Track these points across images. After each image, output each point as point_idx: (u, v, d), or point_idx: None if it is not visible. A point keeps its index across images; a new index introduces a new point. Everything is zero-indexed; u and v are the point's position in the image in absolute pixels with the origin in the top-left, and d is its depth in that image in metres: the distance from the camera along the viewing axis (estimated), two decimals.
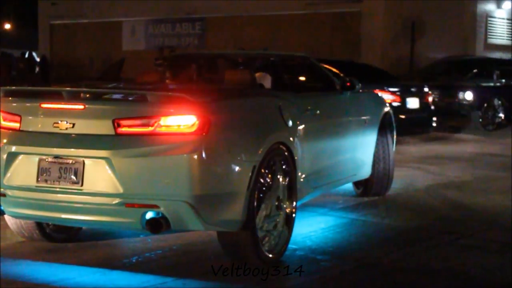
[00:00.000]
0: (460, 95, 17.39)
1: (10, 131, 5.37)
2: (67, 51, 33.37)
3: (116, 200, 5.03)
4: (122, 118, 5.04)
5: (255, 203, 5.39)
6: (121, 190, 5.00)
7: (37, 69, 32.47)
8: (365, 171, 7.82)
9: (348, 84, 7.25)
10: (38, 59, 33.92)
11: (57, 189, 5.15)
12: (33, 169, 5.21)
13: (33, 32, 39.50)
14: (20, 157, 5.27)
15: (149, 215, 5.04)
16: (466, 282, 5.40)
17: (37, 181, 5.20)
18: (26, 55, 34.60)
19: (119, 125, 5.04)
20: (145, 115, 5.03)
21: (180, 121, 5.01)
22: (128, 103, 5.18)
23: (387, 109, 8.23)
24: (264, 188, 5.54)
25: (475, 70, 19.32)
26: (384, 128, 8.05)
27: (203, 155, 5.00)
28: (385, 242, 6.47)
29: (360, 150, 7.58)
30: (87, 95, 5.30)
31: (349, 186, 8.38)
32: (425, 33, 22.35)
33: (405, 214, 7.58)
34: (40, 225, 5.97)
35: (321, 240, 6.41)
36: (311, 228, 6.79)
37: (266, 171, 5.55)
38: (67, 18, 33.14)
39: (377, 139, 7.93)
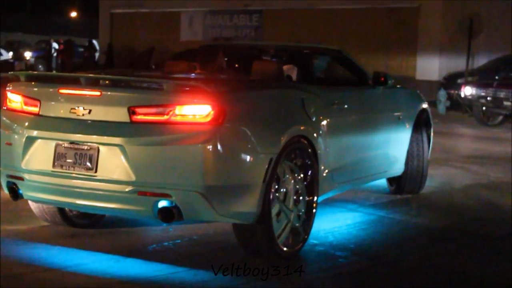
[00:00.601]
0: None
1: (30, 115, 5.41)
2: (127, 40, 33.73)
3: (129, 188, 5.02)
4: (137, 106, 5.03)
5: (272, 196, 5.32)
6: (133, 178, 4.99)
7: (96, 56, 32.90)
8: (398, 168, 7.68)
9: (382, 79, 7.12)
10: (98, 48, 34.36)
11: (72, 175, 5.16)
12: (50, 154, 5.24)
13: (94, 21, 40.05)
14: (38, 141, 5.30)
15: (162, 204, 5.02)
16: (481, 286, 5.24)
17: (53, 166, 5.22)
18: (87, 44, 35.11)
19: (134, 113, 5.03)
20: (160, 104, 5.01)
21: (195, 111, 4.97)
22: (143, 91, 5.15)
23: (424, 105, 8.06)
24: (281, 182, 5.47)
25: None
26: (419, 125, 7.88)
27: (218, 145, 4.95)
28: (409, 241, 6.35)
29: (392, 146, 7.43)
30: (105, 82, 5.29)
31: (383, 183, 8.26)
32: (483, 31, 21.89)
33: (436, 213, 7.42)
34: (62, 210, 6.00)
35: (344, 236, 6.31)
36: (336, 224, 6.70)
37: (284, 164, 5.48)
38: (127, 7, 33.52)
39: (412, 136, 7.77)
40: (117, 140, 5.01)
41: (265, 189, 5.23)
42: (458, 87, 19.24)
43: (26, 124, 5.37)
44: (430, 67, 24.79)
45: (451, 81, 21.93)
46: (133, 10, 33.45)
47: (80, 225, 6.19)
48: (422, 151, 7.89)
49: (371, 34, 26.22)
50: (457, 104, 20.42)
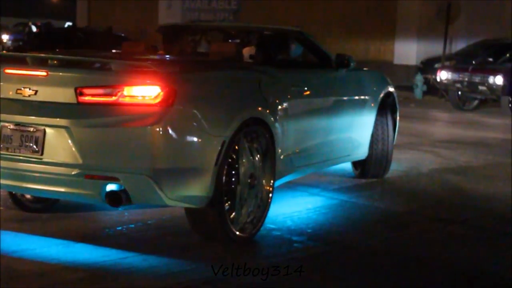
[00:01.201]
0: (491, 79, 16.95)
1: None
2: (105, 23, 33.38)
3: (75, 171, 4.87)
4: (84, 86, 4.88)
5: (224, 180, 5.20)
6: (80, 161, 4.85)
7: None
8: (361, 152, 7.57)
9: (345, 61, 6.99)
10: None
11: (18, 158, 5.01)
12: None
13: (74, 4, 39.62)
14: None
15: (109, 187, 4.88)
16: (441, 270, 5.15)
17: None
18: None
19: (81, 94, 4.88)
20: (108, 84, 4.86)
21: (144, 92, 4.83)
22: (91, 71, 5.01)
23: (390, 89, 7.96)
24: (235, 165, 5.35)
25: (508, 55, 18.81)
26: (384, 108, 7.77)
27: (167, 127, 4.82)
28: (369, 226, 6.25)
29: (355, 130, 7.32)
30: (53, 62, 5.13)
31: (348, 166, 8.16)
32: (460, 15, 21.80)
33: (400, 198, 7.33)
34: (13, 194, 5.87)
35: (303, 221, 6.20)
36: (296, 208, 6.59)
37: (238, 147, 5.36)
38: None
39: (376, 120, 7.66)
40: (63, 121, 4.87)
41: (217, 173, 5.11)
42: (435, 72, 19.15)
43: None
44: (408, 52, 24.68)
45: (428, 66, 21.83)
46: None
47: (32, 209, 6.05)
48: (387, 135, 7.79)
49: (350, 18, 26.07)
50: (434, 89, 20.34)
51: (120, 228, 5.80)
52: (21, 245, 5.25)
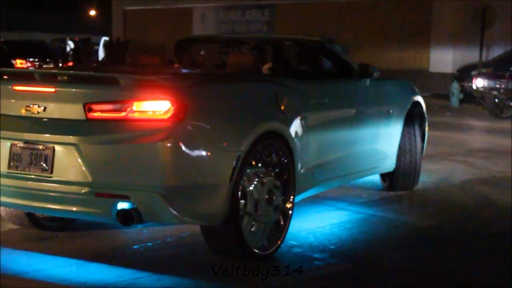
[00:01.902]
0: None
1: None
2: (140, 36, 33.57)
3: (85, 189, 4.74)
4: (93, 102, 4.76)
5: (240, 196, 5.03)
6: (90, 179, 4.72)
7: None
8: (388, 164, 7.35)
9: (368, 71, 6.78)
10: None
11: (28, 176, 4.90)
12: (5, 155, 4.98)
13: (107, 18, 39.90)
14: None
15: (120, 206, 4.74)
16: (469, 287, 4.93)
17: (9, 166, 4.96)
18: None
19: (90, 110, 4.76)
20: (117, 100, 4.73)
21: (154, 107, 4.69)
22: (99, 86, 4.86)
23: (417, 98, 7.73)
24: (252, 180, 5.18)
25: None
26: (411, 118, 7.55)
27: (178, 143, 4.67)
28: (395, 241, 6.03)
29: (381, 141, 7.10)
30: (62, 78, 5.01)
31: (377, 179, 7.94)
32: (496, 21, 21.41)
33: (428, 211, 7.09)
34: (30, 212, 5.76)
35: (326, 237, 6.00)
36: (320, 224, 6.40)
37: (255, 162, 5.19)
38: (140, 4, 33.35)
39: (403, 130, 7.44)
40: (72, 139, 4.74)
41: (233, 189, 4.94)
42: (471, 79, 18.80)
43: None
44: (444, 59, 24.34)
45: (465, 73, 21.50)
46: (145, 7, 33.28)
47: (49, 228, 5.95)
48: (414, 146, 7.55)
49: (384, 26, 25.80)
50: (471, 97, 19.99)
51: (137, 246, 5.66)
52: (34, 265, 5.14)
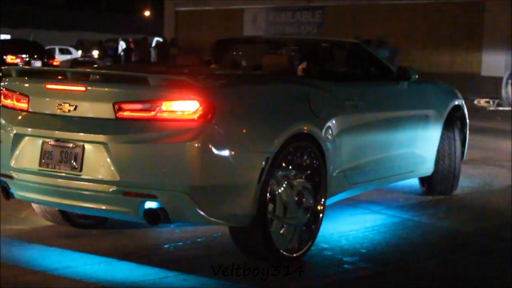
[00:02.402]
0: None
1: (20, 112, 5.23)
2: (191, 37, 33.76)
3: (113, 188, 4.77)
4: (122, 101, 4.78)
5: (269, 197, 5.01)
6: (118, 178, 4.75)
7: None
8: (426, 168, 7.25)
9: (406, 74, 6.70)
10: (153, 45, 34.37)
11: (58, 174, 4.95)
12: (36, 152, 5.05)
13: (158, 19, 40.20)
14: (26, 139, 5.12)
15: (148, 205, 4.75)
16: None
17: (40, 164, 5.03)
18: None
19: (119, 109, 4.79)
20: (146, 99, 4.75)
21: (182, 107, 4.70)
22: (129, 86, 4.88)
23: (458, 102, 7.61)
24: (281, 182, 5.15)
25: None
26: (451, 122, 7.44)
27: (206, 143, 4.66)
28: (428, 246, 5.94)
29: (419, 145, 7.01)
30: (93, 77, 5.05)
31: (416, 183, 7.85)
32: None
33: (466, 216, 6.97)
34: (62, 210, 5.81)
35: (358, 240, 5.95)
36: (354, 227, 6.34)
37: (285, 163, 5.16)
38: (191, 5, 33.52)
39: (442, 134, 7.33)
40: (100, 137, 4.78)
41: (261, 190, 4.92)
42: None
43: (15, 120, 5.19)
44: (496, 63, 23.96)
45: None
46: (197, 8, 33.46)
47: (83, 225, 6.00)
48: (454, 150, 7.44)
49: (435, 29, 25.51)
50: None
51: (167, 246, 5.68)
52: (64, 262, 5.19)
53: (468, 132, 7.87)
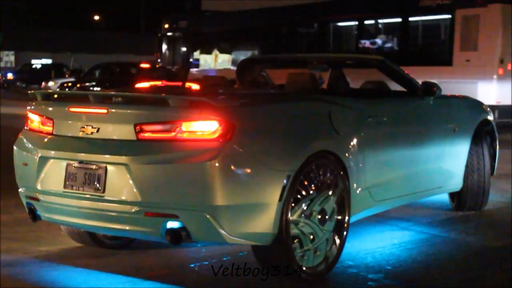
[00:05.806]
0: None
1: (44, 135, 5.33)
2: None
3: (135, 209, 4.83)
4: (143, 123, 4.85)
5: (291, 215, 5.02)
6: (139, 198, 4.80)
7: None
8: (454, 183, 7.20)
9: (432, 89, 6.68)
10: None
11: (82, 195, 5.03)
12: (61, 174, 5.13)
13: None
14: (51, 161, 5.21)
15: (170, 225, 4.80)
16: None
17: (65, 186, 5.10)
18: None
19: (140, 130, 4.85)
20: (166, 120, 4.81)
21: (202, 127, 4.74)
22: (149, 107, 4.95)
23: (486, 116, 7.56)
24: (303, 200, 5.16)
25: None
26: (480, 137, 7.38)
27: (225, 162, 4.69)
28: (456, 263, 5.88)
29: (447, 160, 6.97)
30: (115, 99, 5.12)
31: (447, 198, 7.79)
32: None
33: (496, 232, 6.90)
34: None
35: (384, 257, 5.91)
36: (381, 244, 6.31)
37: (307, 181, 5.17)
38: None
39: (471, 149, 7.28)
40: (122, 159, 4.84)
41: (282, 209, 4.94)
42: None
43: (40, 144, 5.29)
44: None
45: None
46: None
47: (110, 246, 6.06)
48: (483, 165, 7.38)
49: None
50: None
51: (193, 265, 5.70)
52: (90, 282, 5.24)
53: (498, 146, 7.80)
